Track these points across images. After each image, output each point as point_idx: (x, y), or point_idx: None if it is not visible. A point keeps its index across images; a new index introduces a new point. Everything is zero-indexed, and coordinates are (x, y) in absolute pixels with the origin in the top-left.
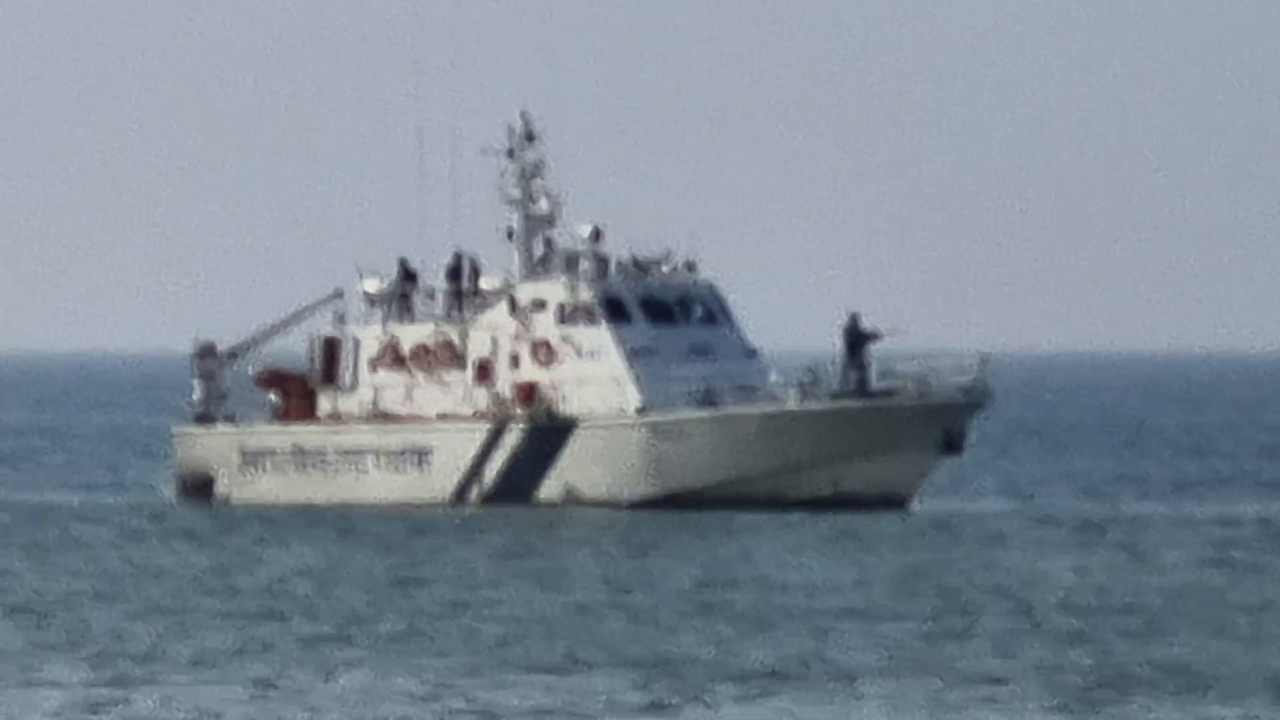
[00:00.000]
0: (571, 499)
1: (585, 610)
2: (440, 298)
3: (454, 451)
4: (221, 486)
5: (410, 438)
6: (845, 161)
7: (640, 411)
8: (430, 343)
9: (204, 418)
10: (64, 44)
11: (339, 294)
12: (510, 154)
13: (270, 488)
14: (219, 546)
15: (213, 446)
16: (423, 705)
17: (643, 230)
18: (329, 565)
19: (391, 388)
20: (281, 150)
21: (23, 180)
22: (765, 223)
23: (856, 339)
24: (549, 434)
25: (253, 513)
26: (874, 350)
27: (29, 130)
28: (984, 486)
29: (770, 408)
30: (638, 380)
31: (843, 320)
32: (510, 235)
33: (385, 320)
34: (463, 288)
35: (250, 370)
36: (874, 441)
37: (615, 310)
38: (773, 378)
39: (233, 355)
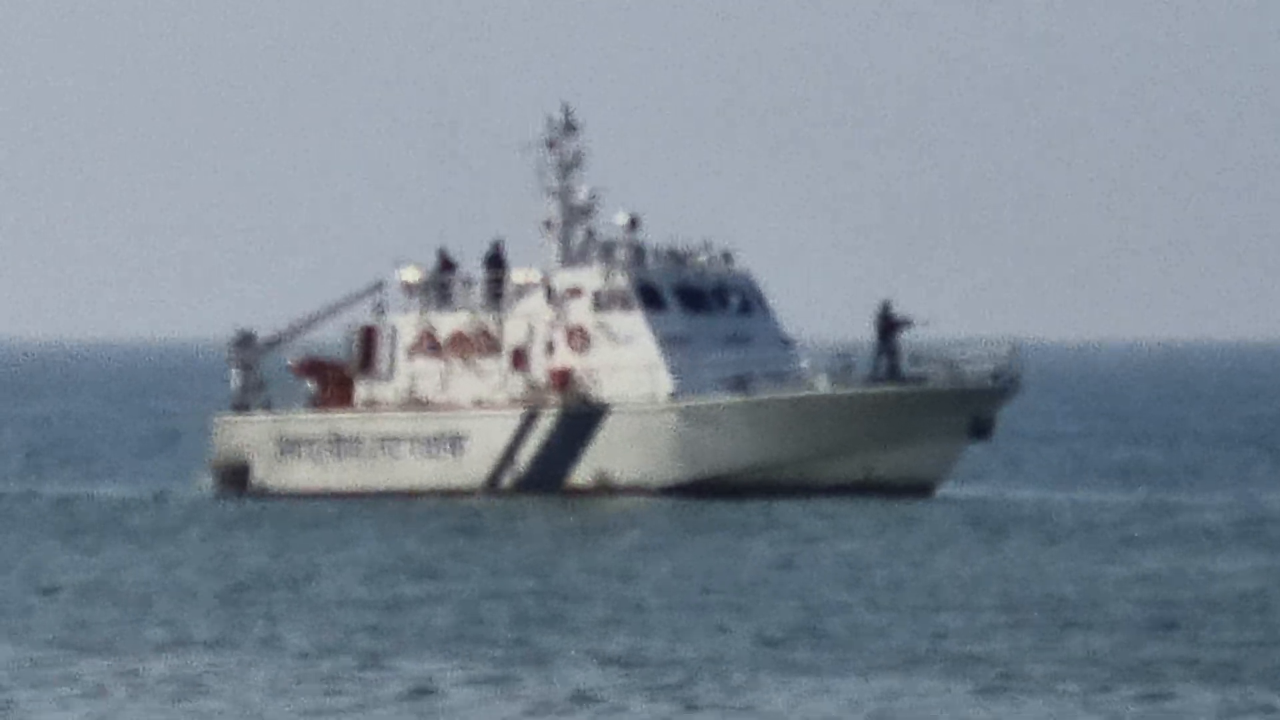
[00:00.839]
0: (604, 485)
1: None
2: (478, 286)
3: (488, 438)
4: (258, 474)
5: (445, 424)
6: (880, 152)
7: (672, 397)
8: (467, 330)
9: (241, 406)
10: (104, 33)
11: (379, 285)
12: (550, 145)
13: (306, 475)
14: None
15: (250, 434)
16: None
17: (681, 222)
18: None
19: (428, 375)
20: (324, 141)
21: (61, 170)
22: (801, 213)
23: (888, 326)
24: (582, 420)
25: (317, 503)
26: (905, 337)
27: (67, 122)
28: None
29: (801, 393)
30: (670, 367)
31: (875, 309)
32: (548, 225)
33: (423, 309)
34: (501, 276)
35: (288, 359)
36: (904, 427)
37: (650, 298)
38: (805, 363)
39: (271, 344)
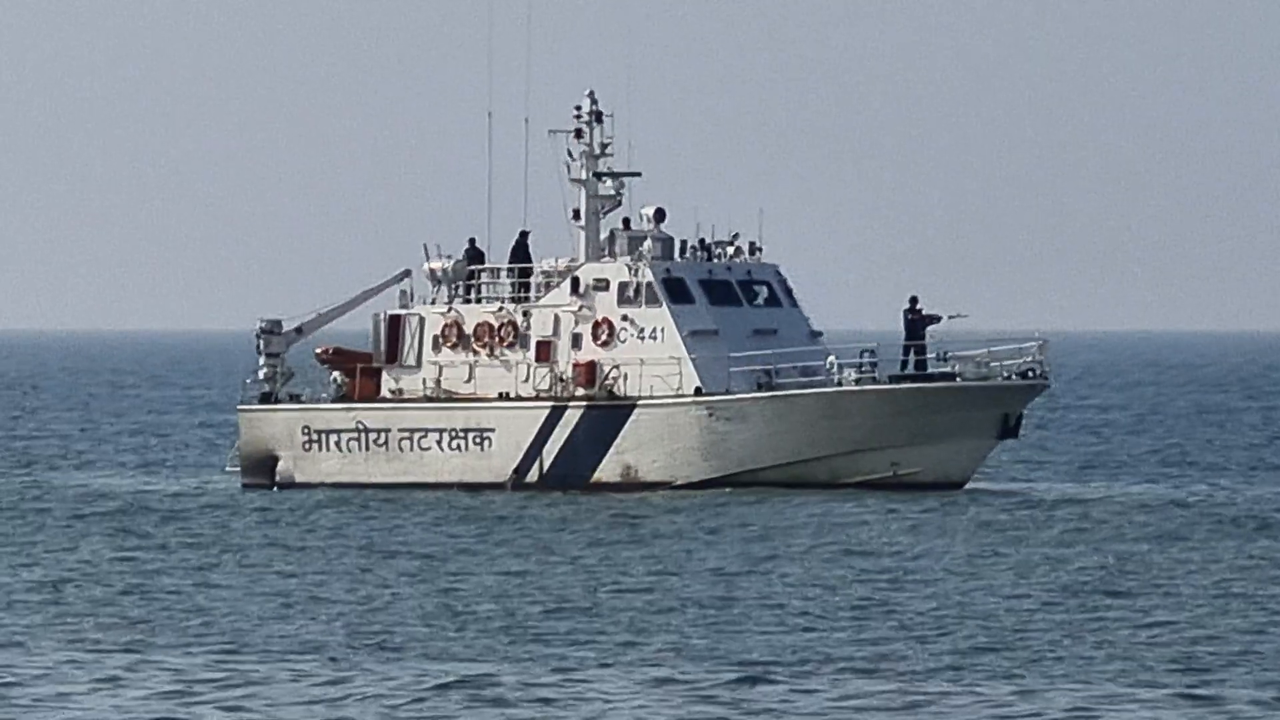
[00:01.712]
0: (630, 480)
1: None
2: (505, 278)
3: (514, 432)
4: (285, 465)
5: (471, 417)
6: (909, 145)
7: (699, 393)
8: (494, 322)
9: (268, 397)
10: (135, 20)
11: (406, 274)
12: (578, 134)
13: (333, 467)
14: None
15: (277, 425)
16: None
17: (709, 214)
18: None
19: (454, 367)
20: (353, 131)
21: (89, 159)
22: (830, 206)
23: (916, 323)
24: (608, 414)
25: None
26: (934, 333)
27: (95, 107)
28: None
29: (828, 390)
30: (696, 362)
31: (903, 304)
32: (576, 215)
33: (450, 300)
34: (528, 268)
35: (315, 349)
36: (932, 425)
37: (677, 291)
38: (831, 359)
39: (298, 334)
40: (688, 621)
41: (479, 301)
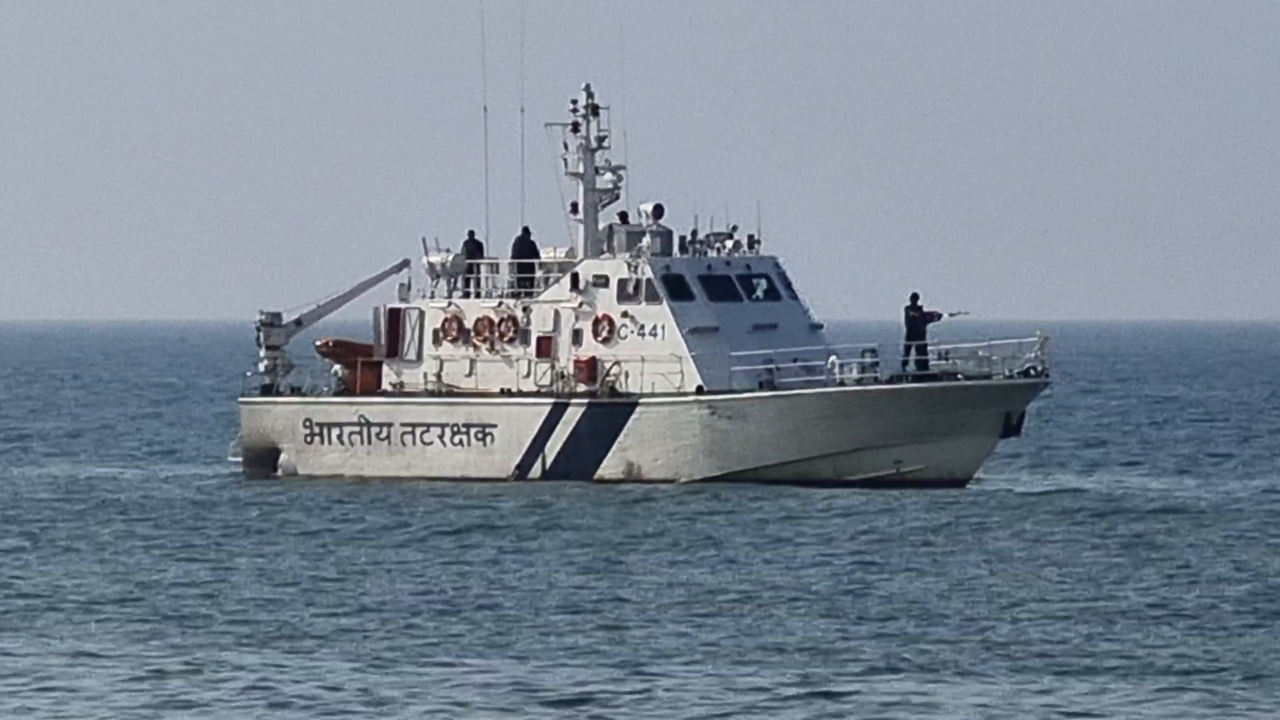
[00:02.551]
0: (632, 477)
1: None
2: (506, 272)
3: (516, 427)
4: (286, 458)
5: (474, 413)
6: (908, 135)
7: (700, 391)
8: (494, 317)
9: (269, 389)
10: (132, 6)
11: (405, 264)
12: (575, 127)
13: (335, 460)
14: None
15: (278, 418)
16: None
17: (707, 206)
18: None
19: (455, 362)
20: (350, 122)
21: (84, 147)
22: (828, 197)
23: (917, 319)
24: (610, 412)
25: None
26: (934, 330)
27: (95, 96)
28: None
29: (831, 389)
30: (698, 359)
31: (904, 300)
32: (574, 210)
33: (450, 293)
34: (529, 262)
35: (315, 341)
36: (934, 423)
37: (676, 288)
38: (832, 359)
39: (298, 325)
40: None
41: (478, 296)
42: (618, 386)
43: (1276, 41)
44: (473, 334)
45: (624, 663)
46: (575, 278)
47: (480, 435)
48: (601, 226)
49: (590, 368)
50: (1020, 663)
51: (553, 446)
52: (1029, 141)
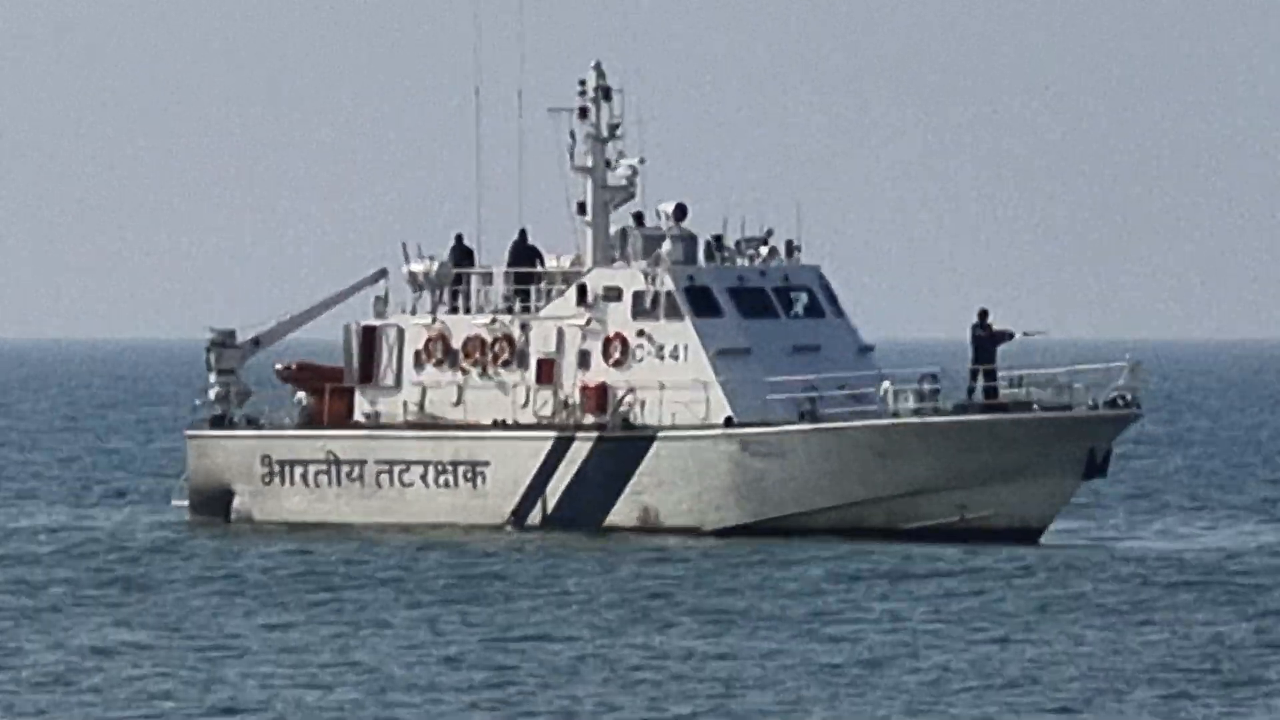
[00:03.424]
0: (649, 525)
1: None
2: (500, 283)
3: (512, 466)
4: (241, 501)
5: (462, 448)
6: (976, 124)
7: (730, 423)
8: (486, 336)
9: (221, 420)
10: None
11: (382, 274)
12: (583, 113)
13: (298, 504)
14: None
15: (231, 455)
16: None
17: (736, 207)
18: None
19: (440, 388)
20: (322, 106)
21: (38, 155)
22: (881, 199)
23: (986, 340)
24: (623, 447)
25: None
26: (1006, 353)
27: (47, 104)
28: None
29: (883, 421)
30: (727, 385)
31: (971, 317)
32: (582, 210)
33: (435, 308)
34: (528, 272)
35: (276, 364)
36: (1005, 462)
37: (701, 302)
38: (885, 385)
39: (256, 345)
40: None
41: (468, 311)
42: (632, 418)
43: None
44: (461, 355)
45: None
46: (582, 290)
47: (469, 475)
48: (613, 230)
49: (599, 396)
50: None
51: (555, 489)
52: (1120, 134)
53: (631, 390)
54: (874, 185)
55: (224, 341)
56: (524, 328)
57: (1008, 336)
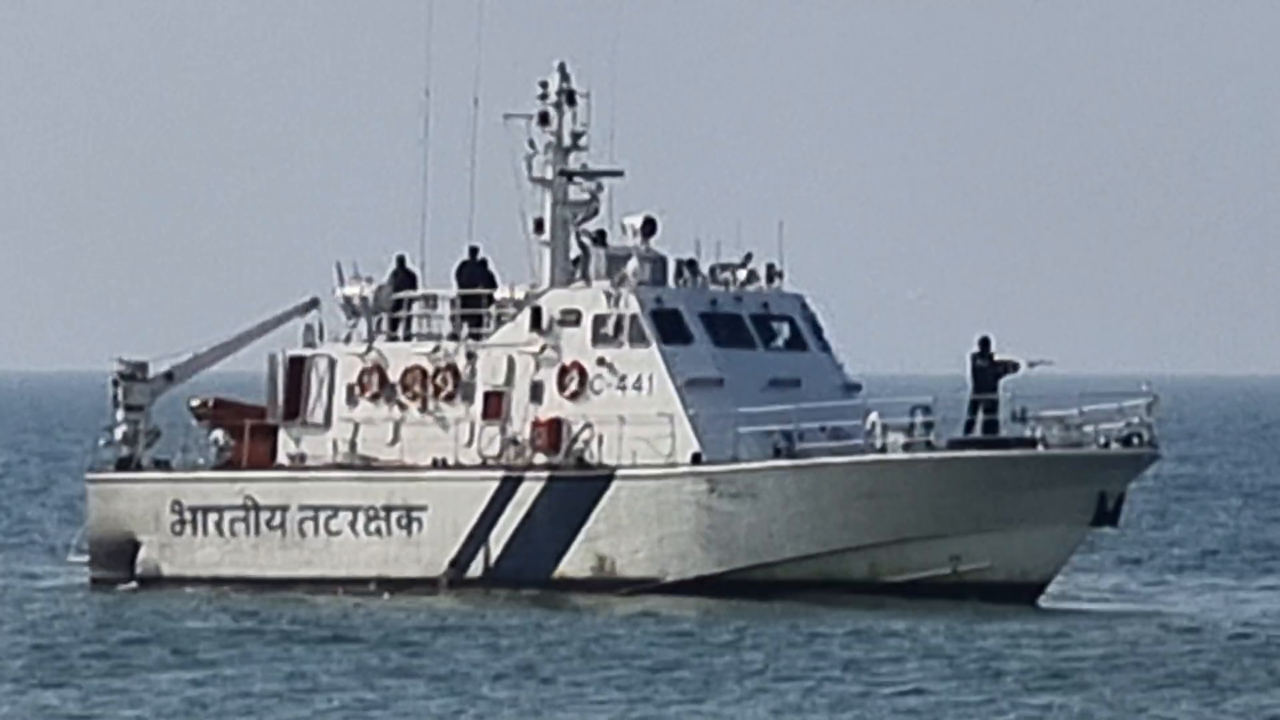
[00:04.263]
0: (605, 576)
1: None
2: (445, 307)
3: (452, 511)
4: (148, 554)
5: (396, 492)
6: (976, 140)
7: (697, 460)
8: (428, 366)
9: (127, 462)
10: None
11: (314, 305)
12: (543, 120)
13: (212, 556)
14: None
15: (137, 500)
16: None
17: (712, 225)
18: None
19: (374, 425)
20: (246, 110)
21: None
22: (869, 218)
23: (987, 370)
24: (577, 489)
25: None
26: (1009, 385)
27: None
28: None
29: (868, 459)
30: (695, 420)
31: (970, 346)
32: (539, 228)
33: (370, 336)
34: (476, 294)
35: (190, 400)
36: (1005, 507)
37: (669, 327)
38: (873, 419)
39: (168, 380)
40: None
41: (408, 339)
42: (587, 456)
43: None
44: (399, 388)
45: None
46: (536, 313)
47: (404, 521)
48: (574, 252)
49: (553, 431)
50: None
51: (499, 536)
52: (1132, 155)
53: (589, 425)
54: (864, 206)
55: (133, 374)
56: (470, 356)
57: (1012, 367)
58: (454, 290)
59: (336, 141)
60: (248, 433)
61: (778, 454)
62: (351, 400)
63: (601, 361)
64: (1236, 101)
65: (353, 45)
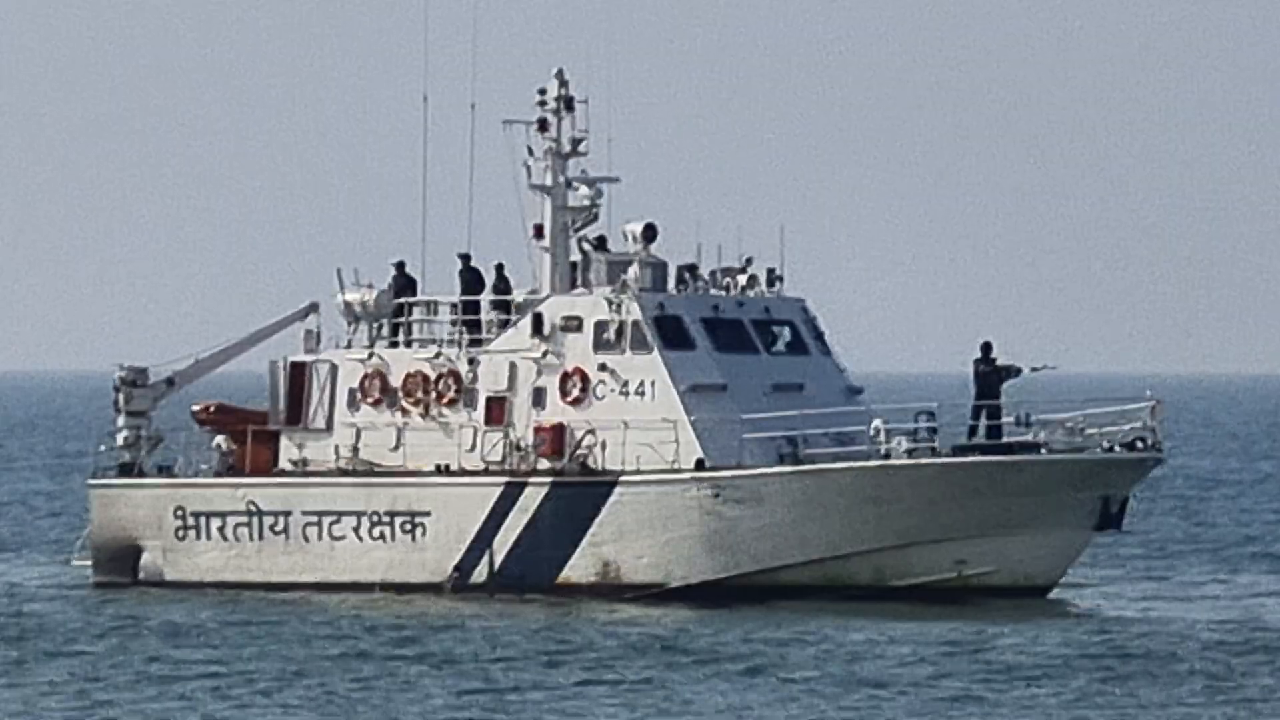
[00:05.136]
0: (609, 581)
1: None
2: (446, 313)
3: (456, 516)
4: (151, 559)
5: (399, 497)
6: (978, 144)
7: (701, 465)
8: (429, 372)
9: (130, 468)
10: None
11: (313, 309)
12: (542, 126)
13: (215, 561)
14: None
15: (140, 506)
16: None
17: (713, 230)
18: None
19: (376, 431)
20: (249, 117)
21: None
22: (870, 223)
23: (990, 375)
24: (580, 495)
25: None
26: (1011, 390)
27: None
28: None
29: (872, 464)
30: (699, 424)
31: (973, 351)
32: (539, 234)
33: (372, 342)
34: (478, 300)
35: (192, 406)
36: (1009, 511)
37: (672, 333)
38: (876, 424)
39: (169, 385)
40: None
41: (410, 345)
42: (591, 461)
43: None
44: (401, 394)
45: None
46: (538, 320)
47: (408, 527)
48: (575, 255)
49: (556, 437)
50: None
51: (503, 541)
52: (1134, 154)
53: (591, 431)
54: (865, 210)
55: (134, 380)
56: (472, 363)
57: (1014, 372)
58: (455, 295)
59: (336, 148)
60: (250, 438)
61: (781, 460)
62: (353, 406)
63: (603, 367)
64: (1236, 101)
65: (352, 52)
